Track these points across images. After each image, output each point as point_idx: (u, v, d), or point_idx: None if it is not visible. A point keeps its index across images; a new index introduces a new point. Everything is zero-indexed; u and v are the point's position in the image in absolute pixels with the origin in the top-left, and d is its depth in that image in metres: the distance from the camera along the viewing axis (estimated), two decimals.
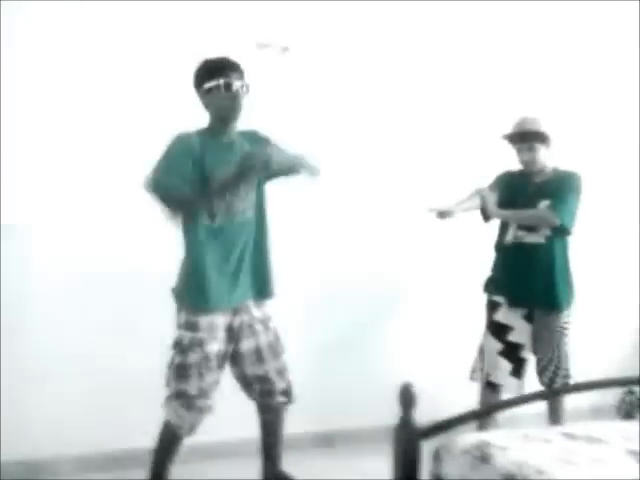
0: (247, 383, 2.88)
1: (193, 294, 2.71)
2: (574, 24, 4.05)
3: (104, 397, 3.19)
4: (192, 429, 2.75)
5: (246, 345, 2.82)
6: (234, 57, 2.86)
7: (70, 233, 3.20)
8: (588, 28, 4.09)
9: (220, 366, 2.79)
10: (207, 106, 2.74)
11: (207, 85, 2.69)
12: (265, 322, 2.87)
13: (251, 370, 2.85)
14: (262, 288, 2.85)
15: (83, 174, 3.20)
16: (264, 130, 2.90)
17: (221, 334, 2.75)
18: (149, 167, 2.63)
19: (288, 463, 3.04)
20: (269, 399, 2.89)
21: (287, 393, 2.91)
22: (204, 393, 2.71)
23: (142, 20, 3.24)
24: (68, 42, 3.14)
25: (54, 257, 3.17)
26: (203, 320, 2.68)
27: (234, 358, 2.83)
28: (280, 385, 2.88)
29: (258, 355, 2.84)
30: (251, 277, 2.80)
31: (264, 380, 2.86)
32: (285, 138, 3.27)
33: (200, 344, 2.68)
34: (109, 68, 3.21)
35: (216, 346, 2.73)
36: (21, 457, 3.07)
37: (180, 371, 2.70)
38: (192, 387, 2.69)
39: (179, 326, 2.72)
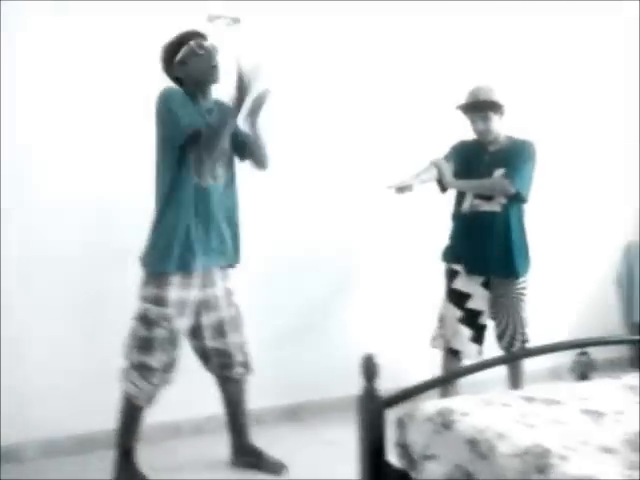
0: (206, 356, 2.91)
1: (164, 253, 2.70)
2: (535, 8, 4.07)
3: (70, 379, 3.16)
4: (150, 400, 2.78)
5: (208, 319, 2.85)
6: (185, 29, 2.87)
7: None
8: (548, 11, 4.11)
9: (187, 339, 2.82)
10: (184, 79, 2.75)
11: (180, 55, 2.72)
12: (228, 296, 2.90)
13: (211, 343, 2.87)
14: (230, 256, 2.87)
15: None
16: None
17: (190, 309, 2.76)
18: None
19: (256, 437, 3.08)
20: (228, 371, 2.93)
21: (245, 364, 2.96)
22: (166, 368, 2.74)
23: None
24: None
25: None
26: (172, 295, 2.68)
27: (195, 331, 2.85)
28: (239, 358, 2.92)
29: (220, 329, 2.87)
30: (220, 243, 2.81)
31: (223, 353, 2.89)
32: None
33: (168, 319, 2.70)
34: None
35: (185, 321, 2.75)
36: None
37: (144, 343, 2.71)
38: (155, 361, 2.71)
39: (145, 299, 2.72)
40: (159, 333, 2.70)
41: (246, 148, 2.87)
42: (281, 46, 3.51)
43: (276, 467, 2.98)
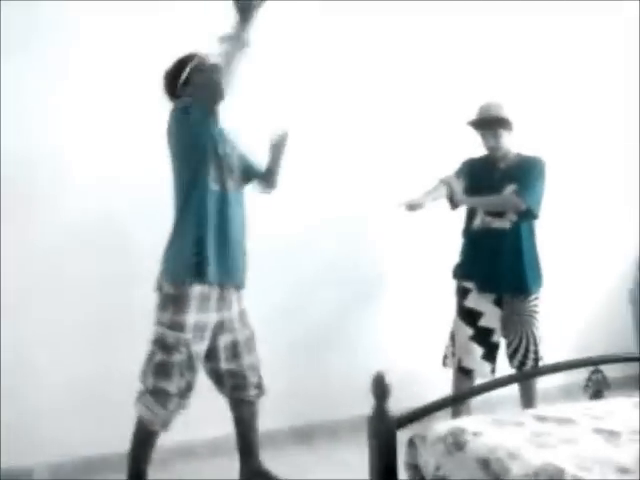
0: (220, 378, 2.88)
1: (181, 262, 2.68)
2: (535, 10, 4.08)
3: (82, 402, 3.16)
4: (165, 425, 2.74)
5: (223, 341, 2.82)
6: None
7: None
8: (548, 12, 4.12)
9: (201, 363, 2.79)
10: (192, 96, 2.73)
11: (184, 74, 2.73)
12: (242, 317, 2.88)
13: (226, 365, 2.85)
14: (241, 275, 2.86)
15: None
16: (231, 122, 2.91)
17: (208, 333, 2.74)
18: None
19: (267, 459, 3.05)
20: (242, 393, 2.90)
21: (259, 386, 2.93)
22: (182, 393, 2.70)
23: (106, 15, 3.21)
24: None
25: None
26: (190, 319, 2.66)
27: (210, 353, 2.82)
28: (252, 379, 2.89)
29: (234, 351, 2.85)
30: (233, 260, 2.80)
31: (237, 375, 2.87)
32: (254, 132, 3.28)
33: (186, 344, 2.67)
34: None
35: (203, 346, 2.73)
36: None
37: (161, 369, 2.67)
38: (172, 387, 2.67)
39: (162, 323, 2.68)
40: (177, 358, 2.66)
41: (259, 176, 2.99)
42: (295, 61, 3.56)
43: None
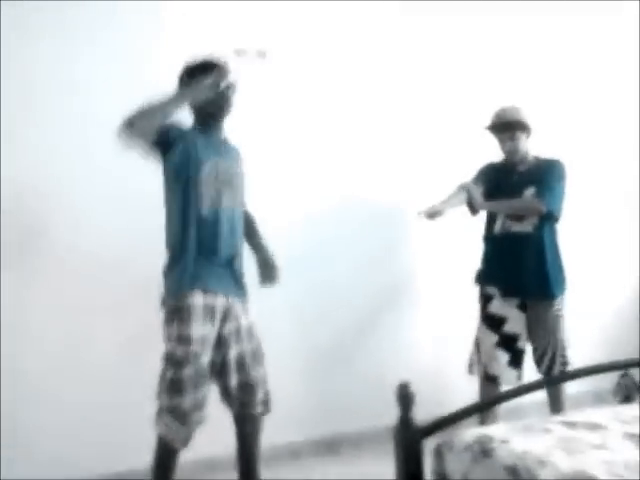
0: (228, 393, 2.84)
1: (184, 277, 2.67)
2: (552, 12, 4.05)
3: (100, 417, 3.16)
4: (186, 442, 2.72)
5: (232, 353, 2.80)
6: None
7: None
8: (565, 15, 4.10)
9: (211, 377, 2.77)
10: (191, 109, 2.74)
11: (195, 80, 2.70)
12: (250, 329, 2.85)
13: (234, 378, 2.82)
14: (242, 288, 2.84)
15: None
16: (244, 134, 2.91)
17: (210, 344, 2.73)
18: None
19: (290, 472, 3.03)
20: (248, 409, 2.86)
21: (265, 403, 2.88)
22: (198, 406, 2.68)
23: (119, 23, 3.22)
24: None
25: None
26: (195, 332, 2.65)
27: (217, 366, 2.79)
28: (260, 395, 2.85)
29: (241, 362, 2.82)
30: (232, 271, 2.79)
31: (245, 389, 2.83)
32: (266, 143, 3.30)
33: (195, 357, 2.66)
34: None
35: (207, 357, 2.72)
36: None
37: (174, 386, 2.65)
38: (187, 402, 2.65)
39: (169, 339, 2.68)
40: (187, 373, 2.64)
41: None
42: (313, 79, 3.57)
43: None
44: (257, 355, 2.86)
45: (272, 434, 2.96)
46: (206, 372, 2.71)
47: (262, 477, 2.98)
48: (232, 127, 2.83)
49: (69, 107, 3.14)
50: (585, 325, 4.06)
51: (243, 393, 2.83)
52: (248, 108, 3.36)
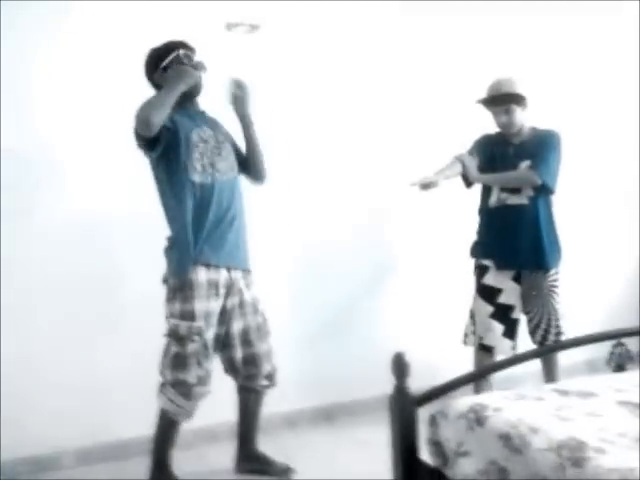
0: (233, 365, 2.87)
1: (183, 252, 2.67)
2: (550, 11, 4.01)
3: (100, 388, 3.19)
4: (190, 415, 2.77)
5: (236, 327, 2.82)
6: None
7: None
8: (564, 14, 4.06)
9: (215, 350, 2.80)
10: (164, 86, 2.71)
11: (165, 62, 2.69)
12: (254, 304, 2.87)
13: (239, 352, 2.84)
14: (245, 258, 2.85)
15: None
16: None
17: (214, 319, 2.75)
18: None
19: (288, 441, 3.07)
20: (252, 382, 2.90)
21: (271, 377, 2.92)
22: (202, 381, 2.71)
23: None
24: None
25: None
26: (199, 307, 2.66)
27: (222, 340, 2.83)
28: (266, 368, 2.88)
29: (246, 337, 2.84)
30: (235, 242, 2.78)
31: (251, 362, 2.86)
32: (258, 117, 3.27)
33: (199, 333, 2.67)
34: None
35: (212, 332, 2.74)
36: (20, 454, 3.05)
37: (178, 361, 2.68)
38: (191, 376, 2.68)
39: (172, 315, 2.70)
40: (192, 348, 2.67)
41: (242, 161, 2.90)
42: (298, 45, 3.54)
43: (283, 471, 2.95)
44: (262, 330, 2.88)
45: (270, 403, 3.00)
46: (210, 348, 2.73)
47: (260, 445, 3.03)
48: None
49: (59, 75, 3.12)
50: (585, 295, 4.10)
51: (248, 366, 2.87)
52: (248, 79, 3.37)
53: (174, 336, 2.69)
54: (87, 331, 3.17)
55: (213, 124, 2.85)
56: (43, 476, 3.04)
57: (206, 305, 2.69)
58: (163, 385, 2.73)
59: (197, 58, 2.76)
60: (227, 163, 2.79)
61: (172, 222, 2.73)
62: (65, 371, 3.13)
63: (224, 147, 2.81)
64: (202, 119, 2.81)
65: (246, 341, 2.84)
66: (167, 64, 2.71)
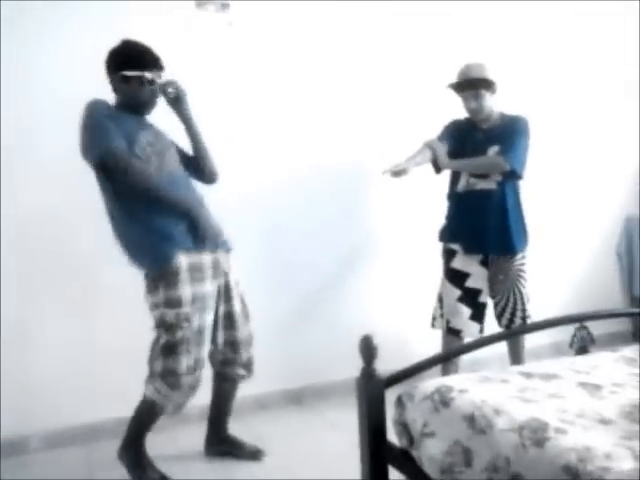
0: (214, 349, 2.86)
1: (162, 242, 2.61)
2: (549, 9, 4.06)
3: (72, 369, 3.19)
4: (179, 408, 2.73)
5: (221, 310, 2.80)
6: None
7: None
8: (563, 13, 4.12)
9: (209, 336, 2.75)
10: (119, 91, 2.69)
11: (128, 73, 2.64)
12: (236, 287, 2.86)
13: (220, 335, 2.83)
14: (220, 235, 2.80)
15: None
16: (208, 88, 2.88)
17: (212, 302, 2.71)
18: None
19: (259, 422, 3.10)
20: (229, 369, 2.89)
21: (248, 366, 2.92)
22: (192, 369, 2.66)
23: None
24: None
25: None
26: (185, 292, 2.61)
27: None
28: (243, 355, 2.88)
29: (231, 320, 2.83)
30: (210, 224, 2.74)
31: (231, 347, 2.85)
32: (228, 98, 3.26)
33: (187, 319, 2.62)
34: None
35: (209, 317, 2.70)
36: None
37: (167, 349, 2.62)
38: (181, 366, 2.63)
39: (156, 306, 2.64)
40: (180, 335, 2.61)
41: (191, 164, 2.88)
42: (275, 33, 3.53)
43: (253, 453, 2.97)
44: (245, 313, 2.88)
45: (241, 387, 3.01)
46: (203, 334, 2.68)
47: (231, 428, 3.05)
48: (204, 92, 2.81)
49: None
50: (550, 279, 4.17)
51: (227, 351, 2.85)
52: (217, 73, 3.35)
53: (162, 325, 2.63)
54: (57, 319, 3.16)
55: (154, 128, 2.78)
56: (10, 461, 3.04)
57: (193, 289, 2.64)
58: (151, 376, 2.67)
59: (161, 79, 2.71)
60: (173, 160, 2.76)
61: (131, 222, 2.65)
62: (36, 356, 3.12)
63: (169, 147, 2.77)
64: (149, 124, 2.77)
65: (229, 324, 2.82)
66: (129, 77, 2.65)
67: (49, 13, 3.08)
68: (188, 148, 2.90)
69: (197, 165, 2.89)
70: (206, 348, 2.73)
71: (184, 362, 2.63)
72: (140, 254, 2.66)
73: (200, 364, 2.70)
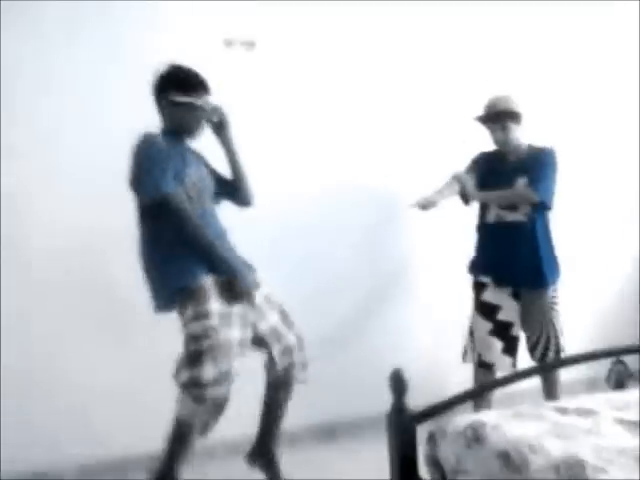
0: (272, 362, 2.86)
1: (191, 264, 2.63)
2: (549, 9, 4.04)
3: (100, 403, 3.19)
4: (206, 427, 2.65)
5: (261, 328, 2.80)
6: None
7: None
8: (564, 13, 4.09)
9: (238, 354, 2.70)
10: (166, 115, 2.72)
11: (178, 98, 2.67)
12: (268, 300, 2.85)
13: (276, 347, 2.83)
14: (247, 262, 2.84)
15: None
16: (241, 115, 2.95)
17: (239, 320, 2.70)
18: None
19: (289, 458, 3.04)
20: (289, 373, 2.89)
21: (304, 367, 2.92)
22: (217, 382, 2.58)
23: (111, 16, 3.23)
24: None
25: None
26: (214, 307, 2.62)
27: (259, 342, 2.81)
28: (298, 357, 2.89)
29: (276, 333, 2.84)
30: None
31: (285, 354, 2.86)
32: (255, 134, 3.31)
33: (214, 330, 2.59)
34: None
35: (235, 333, 2.68)
36: (22, 469, 3.05)
37: (193, 357, 2.59)
38: (206, 375, 2.56)
39: (187, 322, 2.63)
40: (206, 344, 2.57)
41: (228, 187, 2.91)
42: (304, 60, 3.59)
43: None
44: (286, 319, 2.89)
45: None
46: (230, 348, 2.63)
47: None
48: (234, 112, 2.84)
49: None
50: (583, 313, 4.09)
51: (284, 358, 2.86)
52: (247, 94, 3.39)
53: (189, 338, 2.62)
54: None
55: (202, 160, 2.83)
56: None
57: (221, 307, 2.64)
58: (181, 390, 2.62)
59: (210, 101, 2.74)
60: (210, 196, 2.80)
61: (157, 246, 2.68)
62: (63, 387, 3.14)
63: (208, 183, 2.81)
64: (192, 154, 2.80)
65: (278, 337, 2.84)
66: (181, 102, 2.67)
67: (75, 49, 3.17)
68: (223, 169, 2.93)
69: (234, 189, 2.92)
70: (234, 364, 2.67)
71: (210, 371, 2.57)
72: (166, 275, 2.68)
73: (226, 378, 2.61)
